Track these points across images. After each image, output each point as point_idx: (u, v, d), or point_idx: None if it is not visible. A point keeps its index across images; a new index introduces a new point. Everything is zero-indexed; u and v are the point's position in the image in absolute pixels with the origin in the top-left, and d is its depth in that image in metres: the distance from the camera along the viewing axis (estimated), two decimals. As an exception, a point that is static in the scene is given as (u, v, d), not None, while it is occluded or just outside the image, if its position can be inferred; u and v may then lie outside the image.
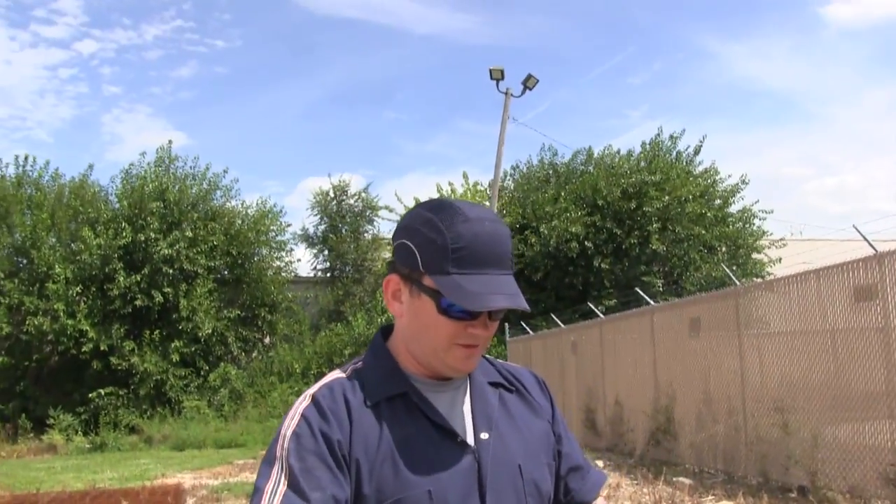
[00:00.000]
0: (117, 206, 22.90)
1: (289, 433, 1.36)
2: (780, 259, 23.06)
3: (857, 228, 9.05)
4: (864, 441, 8.35)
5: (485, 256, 1.36)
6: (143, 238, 21.47)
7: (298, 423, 1.36)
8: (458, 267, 1.35)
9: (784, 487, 9.23)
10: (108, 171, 77.86)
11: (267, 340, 25.15)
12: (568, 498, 1.61)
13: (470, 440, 1.44)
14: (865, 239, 8.91)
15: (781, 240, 24.81)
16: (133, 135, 59.75)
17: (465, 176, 27.34)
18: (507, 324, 21.42)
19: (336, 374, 1.48)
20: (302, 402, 1.41)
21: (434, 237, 1.37)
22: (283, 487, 1.30)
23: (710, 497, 8.96)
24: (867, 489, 8.19)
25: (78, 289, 21.15)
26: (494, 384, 1.56)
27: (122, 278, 21.13)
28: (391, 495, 1.34)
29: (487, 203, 22.88)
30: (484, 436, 1.45)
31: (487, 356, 1.62)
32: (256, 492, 1.32)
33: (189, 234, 22.09)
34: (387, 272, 1.49)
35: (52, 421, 20.22)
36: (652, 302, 13.86)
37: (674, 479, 10.25)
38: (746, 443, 10.15)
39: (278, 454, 1.34)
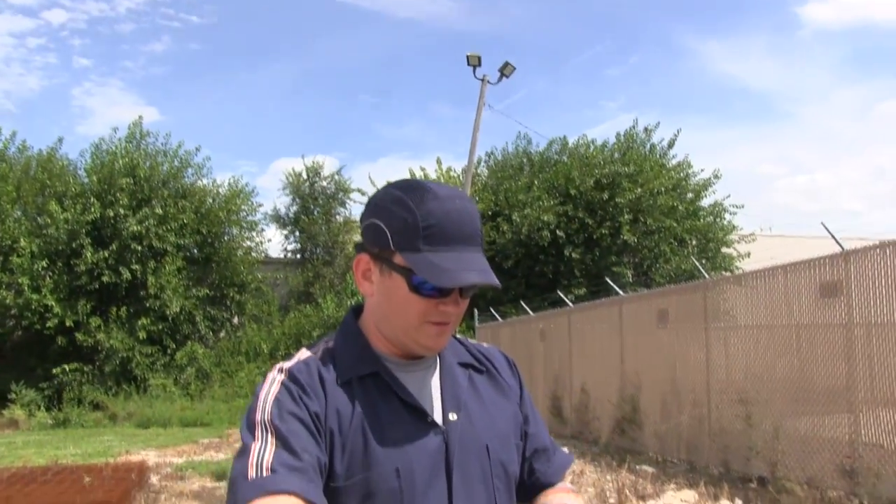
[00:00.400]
0: (86, 180, 22.52)
1: (270, 399, 1.36)
2: (750, 254, 23.33)
3: (824, 225, 9.15)
4: (823, 434, 8.49)
5: (455, 234, 1.37)
6: (111, 214, 21.20)
7: (279, 390, 1.37)
8: (429, 244, 1.35)
9: (745, 478, 9.36)
10: (79, 144, 76.81)
11: (235, 320, 24.99)
12: (532, 479, 1.62)
13: (439, 420, 1.45)
14: (832, 236, 9.00)
15: (751, 235, 25.07)
16: (104, 109, 59.04)
17: (438, 161, 27.35)
18: (476, 310, 21.46)
19: (307, 352, 1.48)
20: (279, 375, 1.41)
21: (405, 216, 1.37)
22: (271, 447, 1.30)
23: (671, 485, 9.07)
24: (824, 480, 8.33)
25: (43, 263, 20.86)
26: (464, 364, 1.57)
27: (89, 254, 20.86)
28: (360, 472, 1.36)
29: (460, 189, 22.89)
30: (452, 416, 1.45)
31: (458, 336, 1.63)
32: (244, 450, 1.31)
33: (159, 211, 21.84)
34: (355, 253, 1.48)
35: (13, 396, 19.98)
36: (621, 292, 13.95)
37: (637, 467, 10.36)
38: (710, 433, 10.27)
39: (259, 419, 1.34)
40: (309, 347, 1.50)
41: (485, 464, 1.47)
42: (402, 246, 1.37)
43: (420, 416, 1.43)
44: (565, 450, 1.74)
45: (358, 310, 1.56)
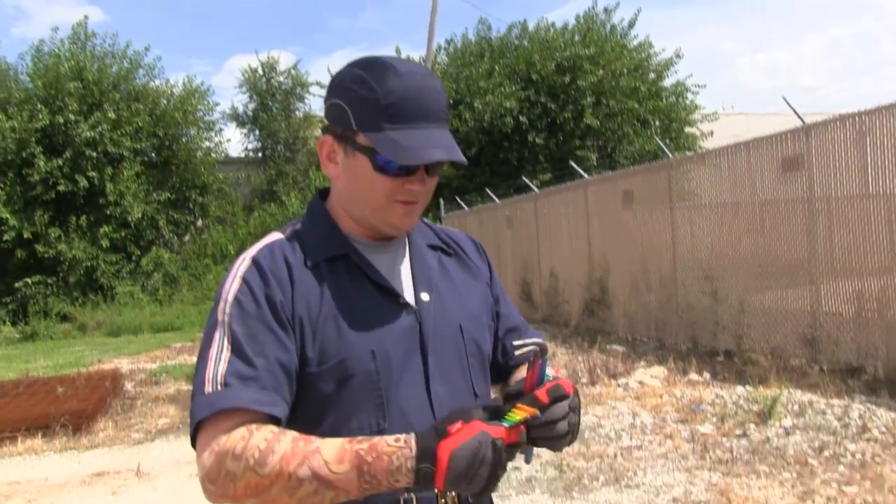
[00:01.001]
0: (30, 86, 21.55)
1: (230, 298, 1.35)
2: (712, 132, 23.32)
3: (786, 100, 9.13)
4: (786, 306, 8.72)
5: (418, 110, 1.33)
6: (61, 120, 20.44)
7: (240, 287, 1.35)
8: (391, 122, 1.32)
9: (712, 352, 9.60)
10: (16, 48, 73.60)
11: (199, 223, 24.71)
12: (506, 359, 1.63)
13: (411, 301, 1.44)
14: (794, 111, 8.99)
15: (713, 114, 25.00)
16: (40, 9, 56.67)
17: (397, 51, 26.68)
18: (441, 200, 21.46)
19: (275, 235, 1.46)
20: (242, 265, 1.39)
21: (366, 94, 1.33)
22: (226, 354, 1.31)
23: (642, 363, 9.28)
24: (787, 350, 8.60)
25: (-7, 175, 20.29)
26: (433, 247, 1.56)
27: (41, 163, 20.18)
28: (334, 356, 1.35)
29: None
30: (425, 297, 1.45)
31: (426, 220, 1.61)
32: (201, 359, 1.33)
33: (112, 115, 21.13)
34: (321, 135, 1.45)
35: (-23, 313, 19.78)
36: (586, 175, 13.94)
37: (608, 346, 10.58)
38: (677, 311, 10.47)
39: (220, 318, 1.34)
40: (277, 230, 1.48)
41: (459, 343, 1.47)
42: (364, 125, 1.34)
43: (392, 297, 1.42)
44: (536, 331, 1.72)
45: (325, 192, 1.53)
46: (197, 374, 1.32)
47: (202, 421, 1.27)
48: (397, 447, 1.19)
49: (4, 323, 19.88)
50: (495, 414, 1.24)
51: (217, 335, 1.33)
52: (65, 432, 7.90)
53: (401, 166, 1.33)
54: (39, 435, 7.84)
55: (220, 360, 1.30)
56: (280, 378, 1.31)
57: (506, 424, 1.22)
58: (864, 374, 7.54)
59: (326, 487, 1.20)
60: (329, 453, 1.21)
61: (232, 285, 1.37)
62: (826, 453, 5.49)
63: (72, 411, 8.33)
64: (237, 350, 1.30)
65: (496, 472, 1.16)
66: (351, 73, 1.38)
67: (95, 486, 6.18)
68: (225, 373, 1.28)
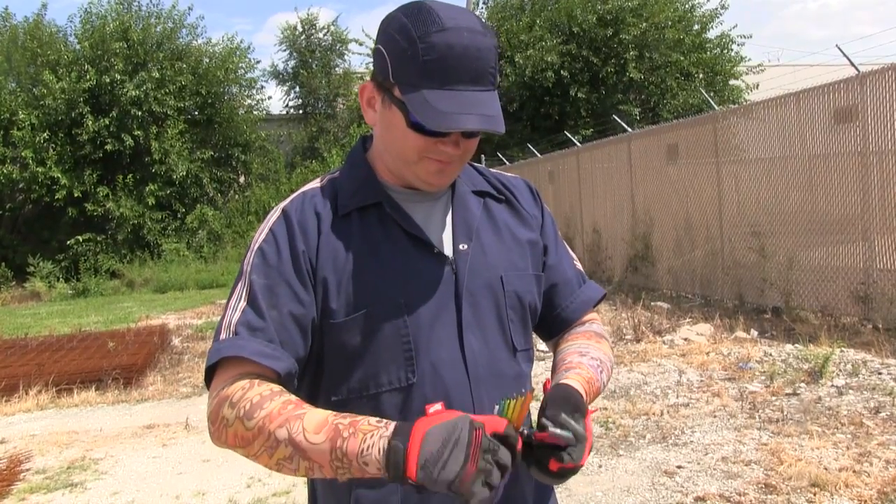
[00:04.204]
0: (78, 47, 21.93)
1: (255, 247, 1.35)
2: (758, 85, 22.81)
3: (840, 48, 8.85)
4: (837, 262, 8.53)
5: (459, 71, 1.25)
6: (108, 80, 20.76)
7: (266, 237, 1.36)
8: (428, 81, 1.25)
9: (759, 309, 9.48)
10: (65, 11, 74.15)
11: (242, 180, 24.95)
12: (554, 314, 1.57)
13: (448, 251, 1.40)
14: (848, 59, 8.72)
15: (759, 66, 24.45)
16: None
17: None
18: (483, 155, 21.35)
19: (312, 184, 1.46)
20: (272, 216, 1.39)
21: (406, 46, 1.27)
22: (242, 304, 1.32)
23: (687, 320, 9.19)
24: (838, 307, 8.43)
25: (45, 135, 20.59)
26: (480, 193, 1.50)
27: (90, 122, 20.58)
28: (359, 308, 1.33)
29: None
30: (463, 247, 1.41)
31: (478, 166, 1.56)
32: (225, 308, 1.35)
33: (156, 74, 21.36)
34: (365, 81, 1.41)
35: (32, 269, 20.23)
36: (629, 129, 13.74)
37: (652, 303, 10.49)
38: (723, 267, 10.34)
39: (244, 269, 1.36)
40: (318, 178, 1.48)
41: (498, 294, 1.42)
42: (400, 79, 1.28)
43: (426, 247, 1.38)
44: (594, 284, 1.65)
45: (368, 139, 1.50)
46: (219, 322, 1.34)
47: (213, 367, 1.30)
48: (376, 426, 1.14)
49: (58, 279, 20.35)
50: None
51: (239, 285, 1.34)
52: (116, 385, 8.09)
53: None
54: (93, 388, 8.04)
55: (236, 308, 1.31)
56: (291, 332, 1.31)
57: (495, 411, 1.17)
58: (923, 333, 7.30)
59: (300, 456, 1.17)
60: (310, 422, 1.18)
61: (260, 236, 1.37)
62: (882, 414, 5.36)
63: (122, 365, 8.53)
64: (252, 300, 1.31)
65: (467, 456, 1.07)
66: (396, 21, 1.31)
67: (146, 438, 6.32)
68: (237, 322, 1.30)
